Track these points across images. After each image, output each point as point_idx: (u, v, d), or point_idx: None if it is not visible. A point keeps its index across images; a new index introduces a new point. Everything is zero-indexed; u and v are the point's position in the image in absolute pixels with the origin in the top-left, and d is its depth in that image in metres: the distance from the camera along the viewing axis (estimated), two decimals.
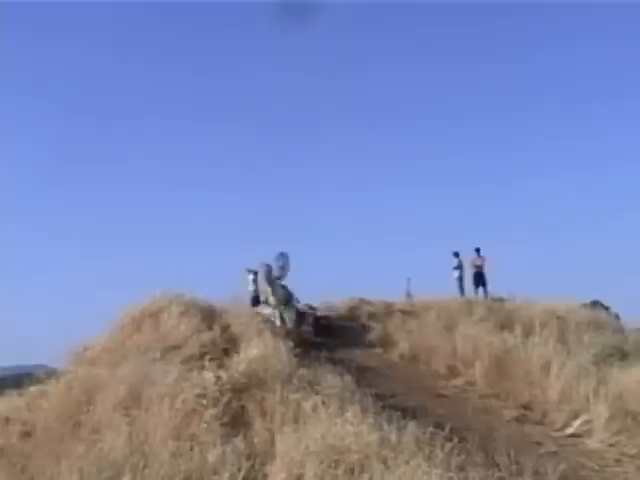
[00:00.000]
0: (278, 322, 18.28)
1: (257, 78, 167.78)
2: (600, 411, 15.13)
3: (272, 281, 18.89)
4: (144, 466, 11.50)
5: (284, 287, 19.33)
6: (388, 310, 21.25)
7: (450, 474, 10.86)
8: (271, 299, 18.87)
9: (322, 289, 21.80)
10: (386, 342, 18.83)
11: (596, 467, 13.58)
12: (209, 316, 16.41)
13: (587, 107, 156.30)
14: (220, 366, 14.17)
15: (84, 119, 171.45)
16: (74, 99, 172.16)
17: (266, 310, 18.86)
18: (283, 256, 19.07)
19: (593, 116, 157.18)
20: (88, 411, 13.60)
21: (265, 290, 19.40)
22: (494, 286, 25.48)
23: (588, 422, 15.11)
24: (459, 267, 26.16)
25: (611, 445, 14.47)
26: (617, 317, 25.70)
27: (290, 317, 18.54)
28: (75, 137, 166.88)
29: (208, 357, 14.47)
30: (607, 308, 26.86)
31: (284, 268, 19.05)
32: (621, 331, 22.64)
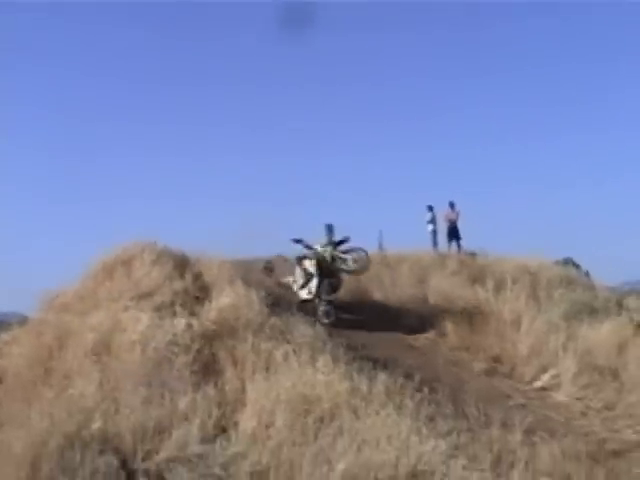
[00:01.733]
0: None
1: None
2: (568, 366, 15.28)
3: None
4: (115, 412, 11.48)
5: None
6: None
7: (419, 424, 10.95)
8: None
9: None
10: (359, 293, 18.82)
11: (563, 420, 13.76)
12: (181, 264, 16.26)
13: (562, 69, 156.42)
14: (192, 314, 14.12)
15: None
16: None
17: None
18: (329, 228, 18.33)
19: (576, 77, 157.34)
20: (59, 358, 13.54)
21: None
22: (467, 241, 25.49)
23: (556, 376, 15.27)
24: (432, 221, 26.10)
25: (578, 399, 14.64)
26: (587, 275, 25.83)
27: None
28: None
29: (180, 305, 14.41)
30: (578, 266, 26.99)
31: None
32: (591, 289, 22.75)
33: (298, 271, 17.56)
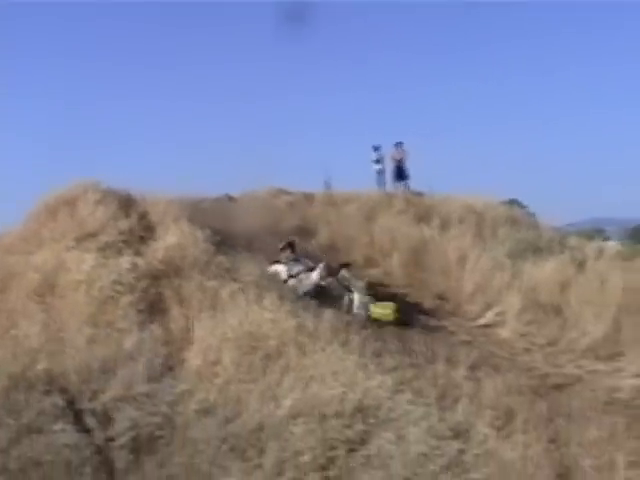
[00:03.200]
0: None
1: None
2: (513, 303, 15.47)
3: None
4: (60, 352, 11.42)
5: None
6: (307, 200, 21.12)
7: (365, 360, 11.05)
8: None
9: (241, 179, 21.27)
10: (305, 232, 18.78)
11: (507, 355, 13.97)
12: (126, 204, 16.00)
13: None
14: (137, 253, 13.97)
15: None
16: None
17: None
18: None
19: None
20: (2, 299, 13.34)
21: None
22: (414, 180, 25.47)
23: (501, 313, 15.46)
24: (379, 161, 26.00)
25: (522, 335, 14.85)
26: (533, 215, 26.02)
27: None
28: None
29: (125, 244, 14.25)
30: (524, 207, 27.18)
31: None
32: (536, 228, 22.92)
33: None
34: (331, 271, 14.74)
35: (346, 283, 14.71)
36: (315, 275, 14.62)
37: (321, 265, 14.78)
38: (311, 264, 15.25)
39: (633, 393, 12.38)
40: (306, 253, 16.37)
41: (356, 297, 14.29)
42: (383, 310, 14.22)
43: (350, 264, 15.65)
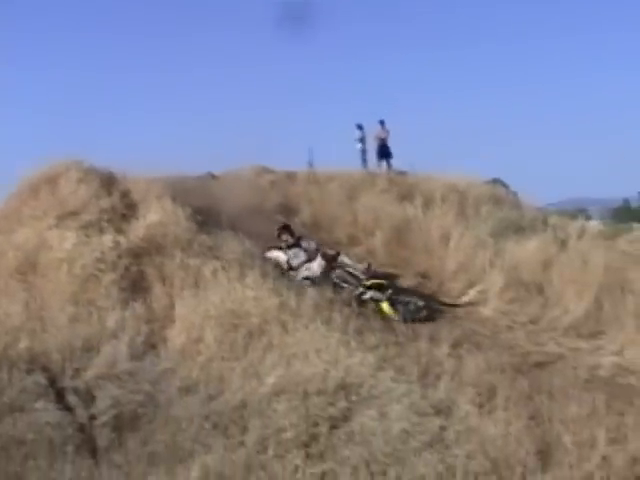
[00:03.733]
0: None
1: None
2: (495, 281, 15.49)
3: None
4: (42, 331, 11.39)
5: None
6: (290, 179, 21.05)
7: (347, 337, 11.07)
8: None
9: (223, 156, 21.10)
10: (288, 210, 18.73)
11: (489, 333, 14.00)
12: (108, 182, 15.90)
13: None
14: (119, 232, 13.90)
15: None
16: None
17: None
18: None
19: None
20: None
21: None
22: (397, 159, 25.40)
23: (483, 291, 15.48)
24: (362, 139, 25.93)
25: (504, 313, 14.89)
26: (515, 195, 26.05)
27: None
28: None
29: (107, 223, 14.18)
30: (506, 186, 27.23)
31: None
32: (519, 207, 22.95)
33: None
34: (327, 258, 14.56)
35: (349, 270, 14.52)
36: (316, 266, 14.43)
37: (319, 255, 14.57)
38: (313, 245, 15.05)
39: (613, 370, 12.47)
40: (300, 234, 16.14)
41: (385, 306, 13.99)
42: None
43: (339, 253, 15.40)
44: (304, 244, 15.23)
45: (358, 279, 14.20)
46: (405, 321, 13.37)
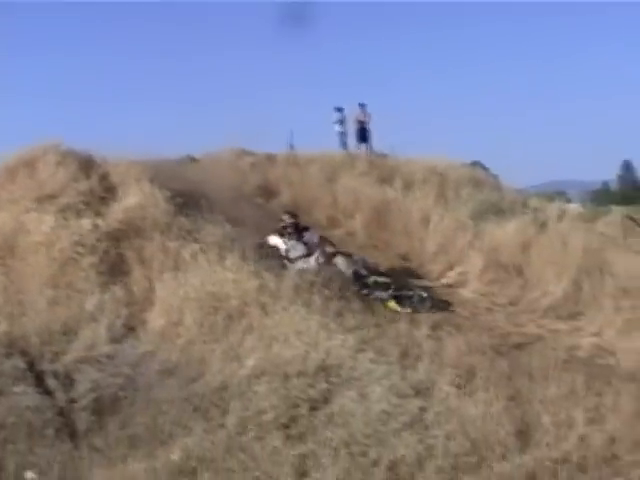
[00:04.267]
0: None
1: None
2: (475, 263, 15.57)
3: None
4: (20, 315, 11.35)
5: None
6: (270, 161, 20.97)
7: (327, 320, 11.09)
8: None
9: (203, 140, 21.09)
10: (268, 193, 18.69)
11: (468, 315, 14.07)
12: (87, 165, 15.77)
13: None
14: (98, 215, 13.80)
15: None
16: None
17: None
18: None
19: None
20: None
21: None
22: (377, 142, 25.37)
23: (463, 273, 15.55)
24: (341, 122, 25.87)
25: (483, 295, 14.97)
26: (495, 177, 26.13)
27: None
28: None
29: (85, 206, 14.08)
30: (486, 169, 27.31)
31: None
32: (499, 190, 23.03)
33: None
34: (326, 255, 14.34)
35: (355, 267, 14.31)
36: (312, 261, 14.22)
37: (318, 251, 14.33)
38: (315, 239, 14.78)
39: (592, 351, 12.60)
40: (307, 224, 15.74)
41: (392, 305, 13.82)
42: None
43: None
44: (307, 236, 14.90)
45: (358, 276, 14.13)
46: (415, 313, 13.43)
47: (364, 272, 14.14)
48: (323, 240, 14.78)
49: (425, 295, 14.11)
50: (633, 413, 9.43)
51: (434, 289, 14.91)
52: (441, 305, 14.16)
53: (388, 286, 13.96)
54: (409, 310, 13.43)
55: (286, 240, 14.64)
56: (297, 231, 14.87)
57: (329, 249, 14.46)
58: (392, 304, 13.47)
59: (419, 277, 15.50)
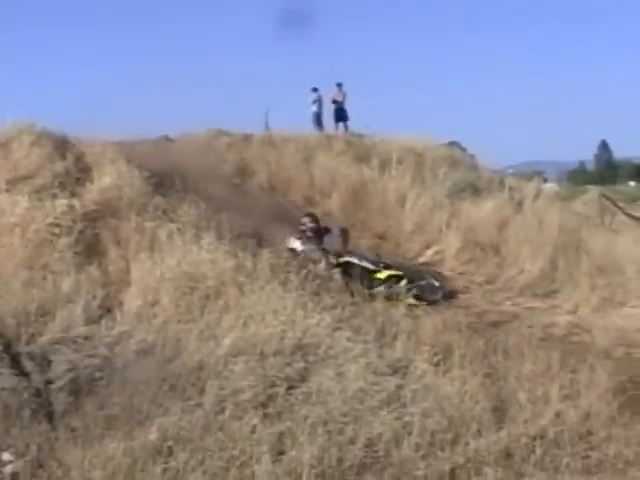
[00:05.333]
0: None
1: None
2: (451, 242, 15.69)
3: None
4: None
5: None
6: (246, 141, 20.92)
7: (304, 299, 11.10)
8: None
9: (179, 121, 20.96)
10: (244, 173, 18.68)
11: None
12: (62, 146, 15.67)
13: None
14: (73, 195, 13.74)
15: None
16: None
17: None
18: None
19: None
20: None
21: None
22: (354, 122, 25.39)
23: (440, 252, 15.68)
24: (317, 102, 25.85)
25: (461, 273, 15.10)
26: (473, 157, 26.25)
27: None
28: None
29: (60, 186, 14.00)
30: (464, 149, 27.46)
31: None
32: (476, 169, 23.17)
33: None
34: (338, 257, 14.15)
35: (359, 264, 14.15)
36: (324, 264, 13.95)
37: (330, 254, 14.12)
38: (335, 244, 14.68)
39: (568, 329, 12.73)
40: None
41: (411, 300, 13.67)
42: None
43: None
44: (327, 240, 14.80)
45: (368, 271, 14.02)
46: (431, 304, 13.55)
47: (373, 267, 14.09)
48: (345, 240, 14.83)
49: (437, 284, 14.11)
50: (608, 389, 9.53)
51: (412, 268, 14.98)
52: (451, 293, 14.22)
53: (401, 278, 13.95)
54: (425, 304, 13.42)
55: (304, 243, 14.51)
56: (317, 234, 14.72)
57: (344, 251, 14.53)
58: (410, 300, 13.43)
59: (396, 256, 15.56)
